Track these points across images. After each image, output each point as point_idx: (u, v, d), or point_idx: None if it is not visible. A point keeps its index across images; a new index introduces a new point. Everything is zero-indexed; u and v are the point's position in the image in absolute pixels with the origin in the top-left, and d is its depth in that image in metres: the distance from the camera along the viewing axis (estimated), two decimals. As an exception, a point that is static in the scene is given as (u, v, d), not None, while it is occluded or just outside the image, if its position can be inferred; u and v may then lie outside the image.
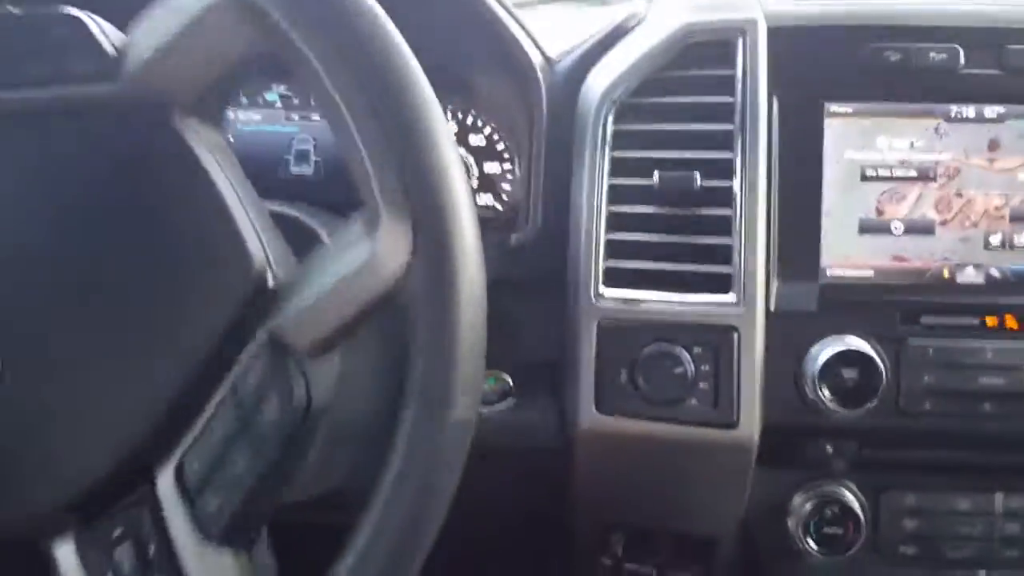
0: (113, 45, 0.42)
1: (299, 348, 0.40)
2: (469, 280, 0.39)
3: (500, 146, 0.84)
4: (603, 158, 0.69)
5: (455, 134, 0.85)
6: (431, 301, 0.39)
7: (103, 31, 0.43)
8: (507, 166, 0.84)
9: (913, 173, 0.67)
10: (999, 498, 0.67)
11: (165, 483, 0.41)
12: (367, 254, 0.39)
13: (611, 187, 0.68)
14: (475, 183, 0.85)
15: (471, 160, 0.85)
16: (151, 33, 0.42)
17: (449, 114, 0.85)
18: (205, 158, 0.43)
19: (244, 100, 0.86)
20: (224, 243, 0.42)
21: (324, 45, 0.39)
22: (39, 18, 0.43)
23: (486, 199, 0.85)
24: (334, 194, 0.85)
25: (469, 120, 0.85)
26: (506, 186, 0.84)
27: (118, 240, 0.43)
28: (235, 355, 0.41)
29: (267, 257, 0.42)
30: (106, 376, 0.42)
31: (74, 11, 0.43)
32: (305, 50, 0.39)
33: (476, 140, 0.85)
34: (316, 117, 0.86)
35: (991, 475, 0.67)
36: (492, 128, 0.85)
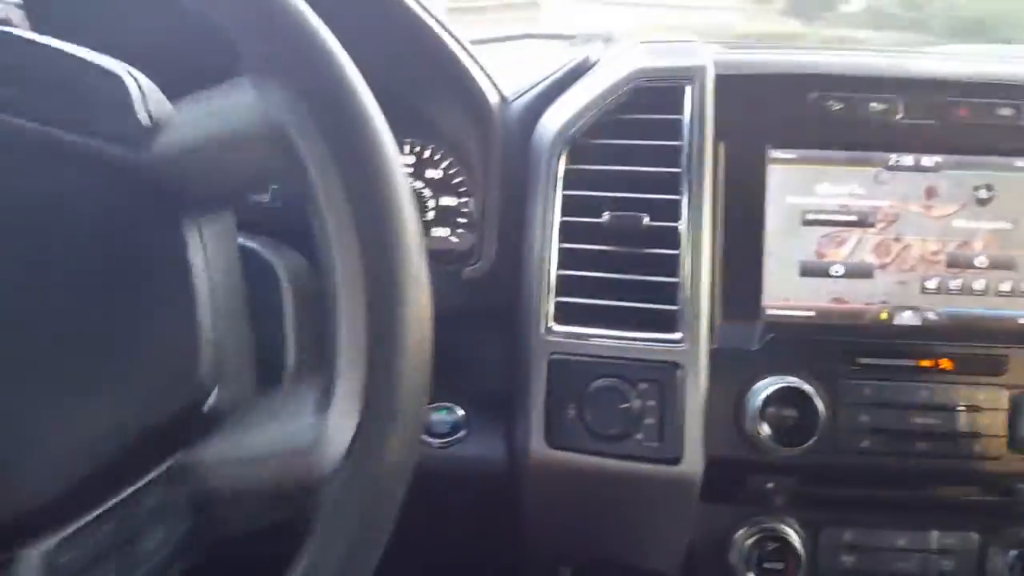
0: (150, 114, 0.40)
1: (207, 491, 0.38)
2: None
3: (457, 180, 0.86)
4: (555, 196, 0.70)
5: (412, 166, 0.86)
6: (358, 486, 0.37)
7: (144, 97, 0.41)
8: (464, 200, 0.86)
9: (853, 218, 0.69)
10: (935, 535, 0.69)
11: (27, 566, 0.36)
12: (311, 438, 0.37)
13: (563, 225, 0.70)
14: (431, 215, 0.86)
15: (428, 192, 0.87)
16: (190, 123, 0.41)
17: (407, 147, 0.86)
18: (195, 262, 0.41)
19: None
20: (178, 351, 0.40)
21: (333, 183, 0.39)
22: (85, 65, 0.41)
23: (442, 232, 0.86)
24: (293, 222, 0.86)
25: (427, 154, 0.86)
26: (462, 219, 0.86)
27: (82, 298, 0.40)
28: (146, 465, 0.39)
29: (215, 380, 0.40)
30: (20, 426, 0.38)
31: (120, 69, 0.41)
32: (316, 183, 0.39)
33: (433, 173, 0.87)
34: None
35: (927, 512, 0.69)
36: (450, 162, 0.86)
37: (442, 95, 0.79)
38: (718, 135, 0.69)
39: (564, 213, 0.70)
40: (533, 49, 1.22)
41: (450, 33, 0.77)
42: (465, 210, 0.86)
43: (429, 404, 0.77)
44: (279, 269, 0.62)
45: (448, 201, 0.87)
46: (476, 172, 0.83)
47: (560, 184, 0.70)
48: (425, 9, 0.76)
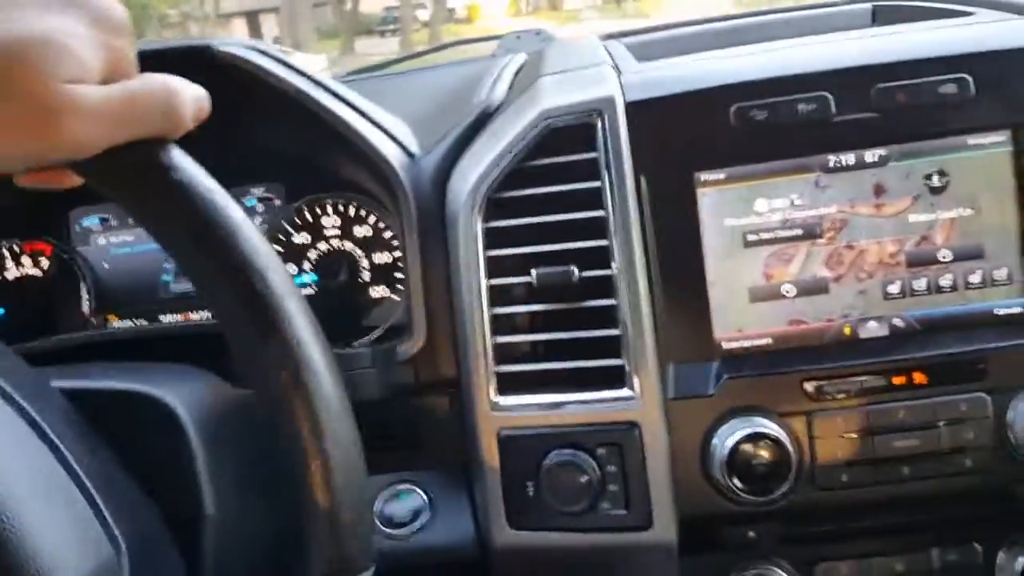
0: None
1: None
2: None
3: (387, 234, 0.81)
4: (477, 259, 0.65)
5: (339, 228, 0.82)
6: None
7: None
8: (397, 253, 0.81)
9: (798, 232, 0.64)
10: (935, 553, 0.65)
11: None
12: None
13: (490, 288, 0.65)
14: (367, 276, 0.82)
15: (359, 252, 0.82)
16: None
17: (330, 208, 0.82)
18: None
19: (114, 223, 0.83)
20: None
21: None
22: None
23: (381, 291, 0.82)
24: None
25: (352, 211, 0.82)
26: (400, 275, 0.81)
27: None
28: None
29: None
30: None
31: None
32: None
33: (362, 231, 0.82)
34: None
35: (922, 532, 0.65)
36: (376, 217, 0.81)
37: (348, 158, 0.74)
38: (638, 167, 0.63)
39: (490, 275, 0.65)
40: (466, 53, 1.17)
41: (339, 96, 0.71)
42: (401, 264, 0.81)
43: (390, 485, 0.73)
44: (182, 416, 0.58)
45: (382, 258, 0.82)
46: (390, 223, 0.79)
47: (481, 244, 0.65)
48: (307, 77, 0.71)
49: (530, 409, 0.64)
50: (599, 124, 0.64)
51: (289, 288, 0.36)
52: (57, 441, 0.39)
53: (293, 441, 0.36)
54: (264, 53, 0.69)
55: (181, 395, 0.57)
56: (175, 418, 0.55)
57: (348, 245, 0.82)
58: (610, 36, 0.90)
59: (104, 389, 0.56)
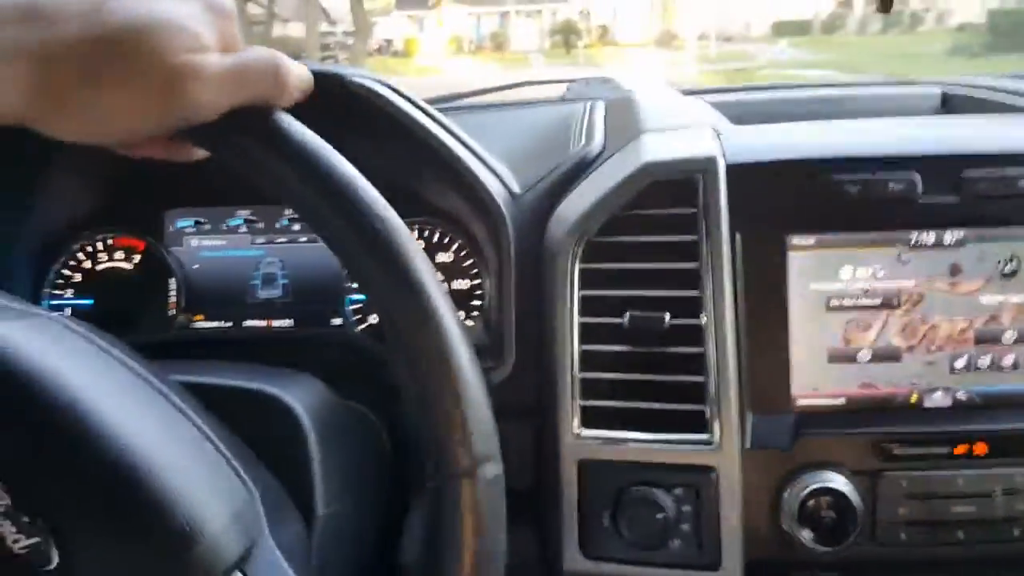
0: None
1: None
2: None
3: (468, 263, 0.85)
4: (573, 297, 0.69)
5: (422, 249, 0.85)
6: None
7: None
8: (476, 282, 0.85)
9: (877, 301, 0.68)
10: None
11: None
12: None
13: (582, 326, 0.69)
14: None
15: (439, 277, 0.85)
16: None
17: (416, 231, 0.85)
18: None
19: (207, 226, 0.86)
20: None
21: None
22: None
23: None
24: (303, 315, 0.85)
25: (436, 237, 0.85)
26: (476, 302, 0.85)
27: None
28: None
29: None
30: None
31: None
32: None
33: (444, 257, 0.86)
34: (282, 239, 0.86)
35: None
36: (459, 244, 0.85)
37: (448, 191, 0.78)
38: (734, 226, 0.67)
39: (583, 314, 0.69)
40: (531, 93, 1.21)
41: (451, 131, 0.75)
42: (479, 292, 0.85)
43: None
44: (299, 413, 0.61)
45: (461, 285, 0.85)
46: (487, 256, 0.82)
47: (577, 284, 0.69)
48: (423, 110, 0.75)
49: (612, 443, 0.67)
50: (700, 182, 0.68)
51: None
52: (183, 406, 0.41)
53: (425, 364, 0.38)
54: (387, 85, 0.73)
55: (299, 396, 0.60)
56: (296, 418, 0.58)
57: None
58: (689, 92, 0.95)
59: (223, 385, 0.59)
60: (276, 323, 0.85)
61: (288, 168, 0.38)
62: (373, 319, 0.86)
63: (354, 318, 0.86)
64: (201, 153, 0.43)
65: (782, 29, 25.88)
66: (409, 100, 0.75)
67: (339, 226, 0.38)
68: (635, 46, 24.25)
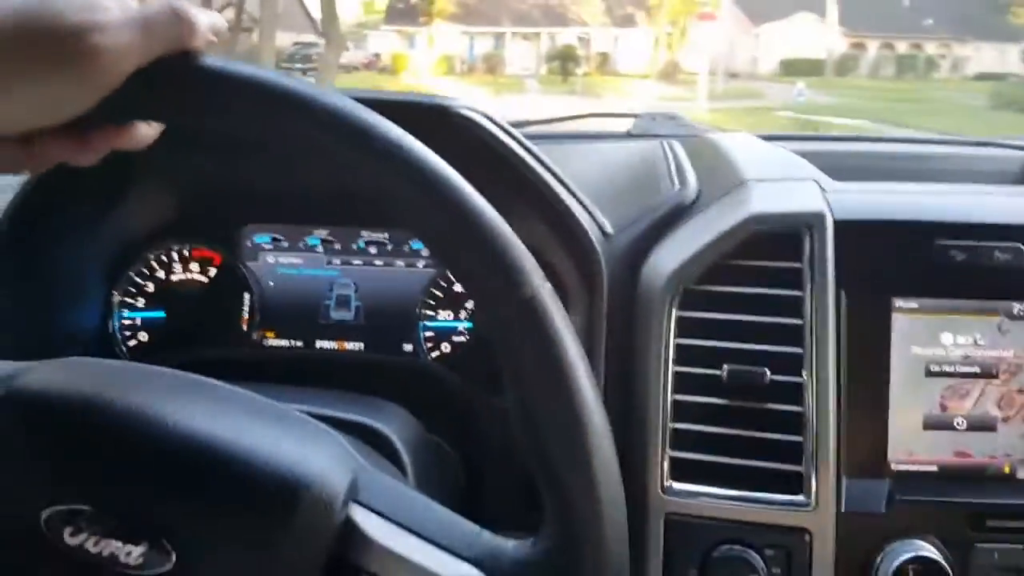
0: None
1: None
2: None
3: None
4: (668, 345, 0.68)
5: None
6: None
7: None
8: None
9: (976, 369, 0.67)
10: None
11: None
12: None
13: (676, 375, 0.68)
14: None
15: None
16: None
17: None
18: None
19: (285, 244, 0.85)
20: None
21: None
22: None
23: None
24: (374, 339, 0.84)
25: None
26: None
27: None
28: None
29: None
30: None
31: None
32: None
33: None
34: (357, 261, 0.85)
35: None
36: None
37: (538, 225, 0.77)
38: (839, 283, 0.67)
39: (678, 363, 0.68)
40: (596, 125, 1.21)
41: (547, 166, 0.74)
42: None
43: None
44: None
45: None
46: (572, 295, 0.81)
47: (673, 332, 0.68)
48: (520, 142, 0.74)
49: (703, 498, 0.66)
50: (807, 236, 0.67)
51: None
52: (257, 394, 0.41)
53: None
54: (487, 116, 0.73)
55: (396, 429, 0.59)
56: (396, 452, 0.57)
57: None
58: (768, 138, 0.94)
59: (322, 416, 0.58)
60: (349, 345, 0.84)
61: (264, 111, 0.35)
62: (446, 347, 0.84)
63: (427, 346, 0.84)
64: (150, 133, 0.39)
65: (790, 68, 25.53)
66: (507, 132, 0.74)
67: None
68: (637, 77, 23.52)
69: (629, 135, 1.11)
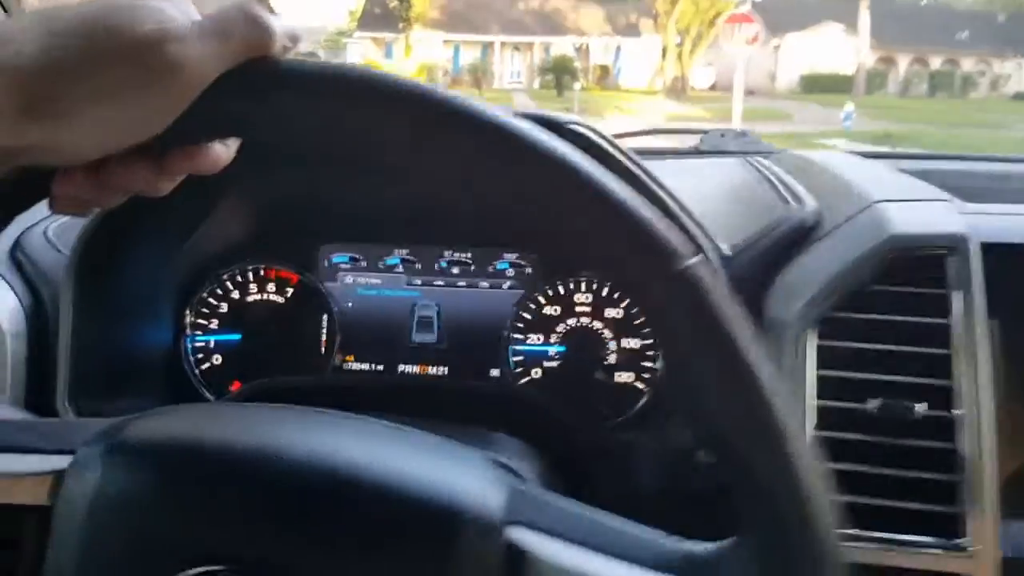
0: None
1: None
2: None
3: (638, 320, 0.79)
4: (806, 377, 0.63)
5: (590, 304, 0.79)
6: None
7: None
8: (648, 341, 0.79)
9: None
10: None
11: None
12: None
13: (819, 410, 0.63)
14: (613, 358, 0.79)
15: (608, 333, 0.79)
16: None
17: (584, 284, 0.79)
18: None
19: (364, 263, 0.79)
20: None
21: None
22: None
23: (626, 376, 0.79)
24: (459, 364, 0.78)
25: (604, 292, 0.79)
26: (647, 363, 0.78)
27: None
28: None
29: None
30: None
31: None
32: None
33: (613, 312, 0.80)
34: (439, 282, 0.80)
35: None
36: (628, 302, 0.79)
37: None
38: (991, 311, 0.62)
39: (820, 396, 0.63)
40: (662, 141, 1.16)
41: (660, 184, 0.70)
42: (649, 353, 0.79)
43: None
44: None
45: (631, 343, 0.79)
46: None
47: (814, 363, 0.63)
48: (632, 160, 0.69)
49: (849, 541, 0.61)
50: (950, 260, 0.63)
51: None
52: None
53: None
54: (599, 133, 0.68)
55: (519, 464, 0.54)
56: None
57: (597, 324, 0.80)
58: (868, 156, 0.91)
59: None
60: (432, 369, 0.78)
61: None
62: (536, 372, 0.79)
63: (517, 371, 0.79)
64: (228, 152, 0.35)
65: (812, 84, 23.30)
66: (620, 149, 0.69)
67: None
68: (640, 93, 21.35)
69: (698, 151, 1.07)
